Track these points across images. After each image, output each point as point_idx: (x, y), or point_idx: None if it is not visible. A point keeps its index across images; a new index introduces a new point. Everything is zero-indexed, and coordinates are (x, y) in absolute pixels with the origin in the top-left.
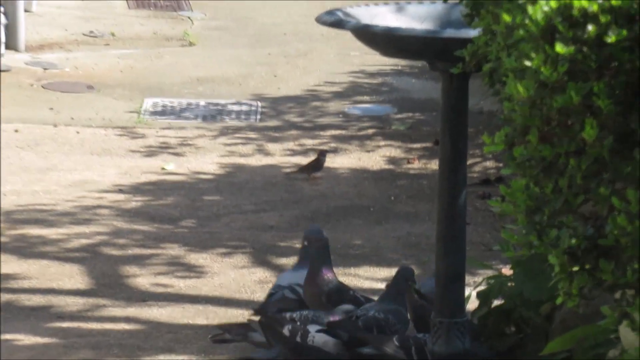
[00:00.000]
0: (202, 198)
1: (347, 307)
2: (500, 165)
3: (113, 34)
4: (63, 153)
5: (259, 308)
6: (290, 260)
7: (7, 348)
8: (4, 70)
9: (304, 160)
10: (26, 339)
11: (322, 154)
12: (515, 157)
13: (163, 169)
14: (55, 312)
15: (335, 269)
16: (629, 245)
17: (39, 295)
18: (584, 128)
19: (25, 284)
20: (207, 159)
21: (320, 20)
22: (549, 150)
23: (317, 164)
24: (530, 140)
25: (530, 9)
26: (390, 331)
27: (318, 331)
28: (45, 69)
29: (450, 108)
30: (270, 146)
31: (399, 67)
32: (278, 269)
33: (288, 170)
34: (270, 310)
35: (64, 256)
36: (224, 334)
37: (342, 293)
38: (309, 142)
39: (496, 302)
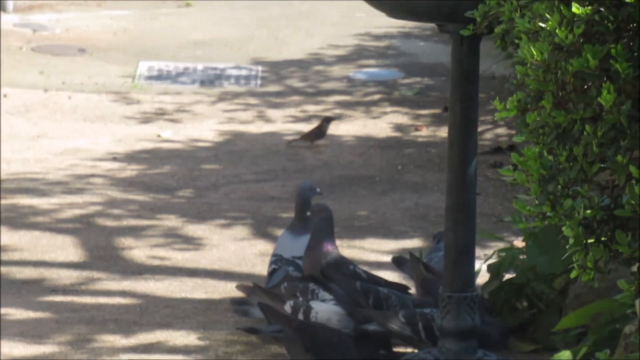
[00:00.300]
0: (200, 167)
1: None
2: (513, 132)
3: None
4: (54, 120)
5: (265, 288)
6: None
7: None
8: None
9: (307, 128)
10: (17, 314)
11: (326, 121)
12: (528, 124)
13: (159, 136)
14: (47, 286)
15: (339, 241)
16: None
17: (30, 268)
18: (600, 93)
19: (16, 256)
20: (205, 126)
21: None
22: (564, 116)
23: (320, 131)
24: (544, 106)
25: None
26: (389, 306)
27: (321, 306)
28: (34, 30)
29: (461, 72)
30: (271, 113)
31: (407, 30)
32: None
33: (290, 138)
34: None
35: (56, 227)
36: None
37: (342, 266)
38: (312, 109)
39: (507, 276)
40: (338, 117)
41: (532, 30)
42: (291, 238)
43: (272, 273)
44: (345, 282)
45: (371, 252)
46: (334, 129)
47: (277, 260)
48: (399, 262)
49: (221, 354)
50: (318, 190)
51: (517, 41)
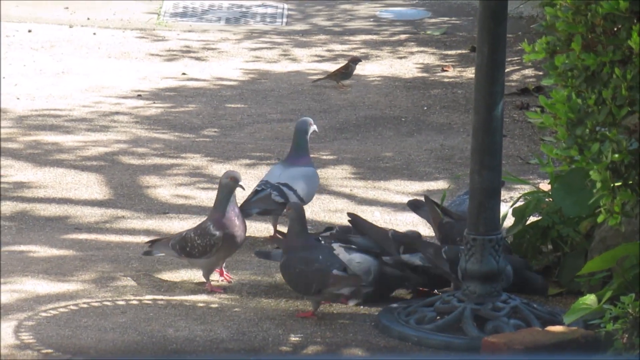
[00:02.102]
0: (225, 106)
1: None
2: (540, 73)
3: None
4: (79, 56)
5: (240, 206)
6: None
7: (21, 260)
8: None
9: (333, 68)
10: (41, 251)
11: (353, 61)
12: (556, 66)
13: (184, 74)
14: (71, 223)
15: (364, 182)
16: None
17: (54, 205)
18: (630, 35)
19: (41, 193)
20: (230, 64)
21: None
22: (593, 59)
23: (346, 71)
24: (574, 48)
25: None
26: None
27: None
28: None
29: (489, 12)
30: (297, 51)
31: None
32: None
33: (315, 77)
34: (251, 209)
35: (81, 165)
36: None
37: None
38: (338, 48)
39: (532, 219)
40: (364, 57)
41: None
42: (281, 167)
43: (255, 194)
44: (378, 230)
45: (396, 193)
46: (359, 68)
47: (263, 184)
48: (415, 205)
49: (245, 294)
50: (314, 127)
51: None
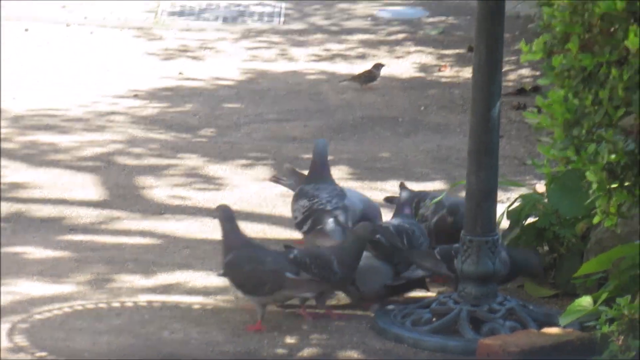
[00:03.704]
0: (222, 106)
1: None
2: (537, 73)
3: None
4: (76, 55)
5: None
6: None
7: (16, 261)
8: None
9: (330, 67)
10: (37, 252)
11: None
12: (553, 67)
13: (181, 73)
14: (67, 224)
15: (361, 183)
16: None
17: (50, 206)
18: (627, 36)
19: (36, 193)
20: (227, 63)
21: None
22: (590, 59)
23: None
24: (570, 48)
25: None
26: (417, 243)
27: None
28: None
29: (487, 12)
30: (295, 51)
31: None
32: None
33: (312, 77)
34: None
35: (77, 165)
36: None
37: None
38: (336, 47)
39: (529, 220)
40: (361, 57)
41: None
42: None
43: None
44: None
45: (393, 194)
46: (357, 68)
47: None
48: (391, 201)
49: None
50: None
51: None
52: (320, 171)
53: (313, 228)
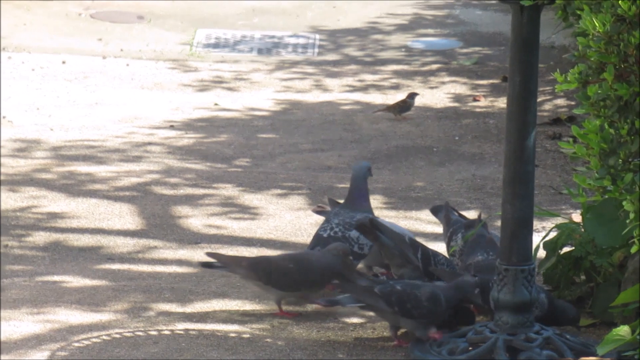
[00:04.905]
0: (256, 136)
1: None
2: (572, 103)
3: None
4: (112, 87)
5: None
6: None
7: (55, 290)
8: None
9: (364, 97)
10: (75, 281)
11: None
12: (589, 96)
13: (216, 104)
14: (104, 253)
15: (395, 212)
16: None
17: (87, 236)
18: None
19: (74, 223)
20: (262, 94)
21: None
22: (626, 89)
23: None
24: (606, 78)
25: None
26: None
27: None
28: None
29: (520, 42)
30: (329, 81)
31: None
32: None
33: (347, 107)
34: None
35: (114, 195)
36: None
37: None
38: (369, 78)
39: (565, 250)
40: (395, 87)
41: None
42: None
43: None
44: (394, 234)
45: (427, 223)
46: (391, 98)
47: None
48: (435, 210)
49: (276, 324)
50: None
51: (578, 12)
52: (353, 196)
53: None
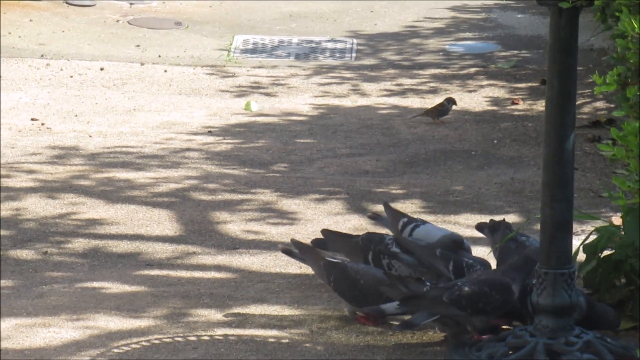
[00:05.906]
0: (294, 141)
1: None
2: (612, 106)
3: None
4: (150, 93)
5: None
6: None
7: (94, 296)
8: (88, 5)
9: (402, 102)
10: (114, 287)
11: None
12: (628, 98)
13: (249, 109)
14: (143, 260)
15: (434, 216)
16: None
17: (126, 242)
18: None
19: (113, 229)
20: (299, 99)
21: None
22: None
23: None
24: None
25: None
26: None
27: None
28: (131, 3)
29: (559, 45)
30: (366, 86)
31: (504, 2)
32: None
33: (384, 111)
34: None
35: (152, 201)
36: None
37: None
38: (407, 82)
39: (605, 253)
40: (433, 91)
41: (633, 2)
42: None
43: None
44: (423, 250)
45: (466, 227)
46: (429, 102)
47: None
48: (482, 227)
49: (315, 329)
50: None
51: (617, 14)
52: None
53: None
